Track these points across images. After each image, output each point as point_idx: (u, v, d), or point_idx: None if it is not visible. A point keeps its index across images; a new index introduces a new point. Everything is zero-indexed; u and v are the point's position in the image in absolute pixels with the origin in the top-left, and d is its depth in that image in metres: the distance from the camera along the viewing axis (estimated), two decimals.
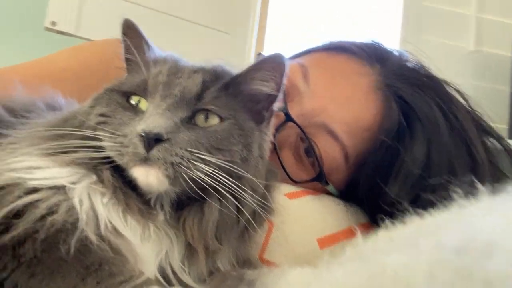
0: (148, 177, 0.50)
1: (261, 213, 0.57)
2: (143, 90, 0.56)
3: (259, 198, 0.56)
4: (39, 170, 0.48)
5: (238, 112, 0.57)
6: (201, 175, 0.50)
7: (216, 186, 0.52)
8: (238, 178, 0.54)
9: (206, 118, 0.54)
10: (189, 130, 0.52)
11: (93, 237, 0.45)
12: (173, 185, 0.51)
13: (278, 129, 0.74)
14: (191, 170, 0.50)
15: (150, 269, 0.49)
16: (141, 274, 0.45)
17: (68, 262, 0.43)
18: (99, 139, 0.52)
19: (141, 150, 0.49)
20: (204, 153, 0.51)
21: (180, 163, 0.50)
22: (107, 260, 0.45)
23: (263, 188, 0.58)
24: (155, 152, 0.49)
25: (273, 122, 0.70)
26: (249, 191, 0.55)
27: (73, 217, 0.45)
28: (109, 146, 0.51)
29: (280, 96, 0.62)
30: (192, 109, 0.54)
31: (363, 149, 0.74)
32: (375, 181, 0.70)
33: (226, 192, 0.53)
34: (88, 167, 0.51)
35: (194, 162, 0.50)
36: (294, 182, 0.73)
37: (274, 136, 0.74)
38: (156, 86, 0.55)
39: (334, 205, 0.72)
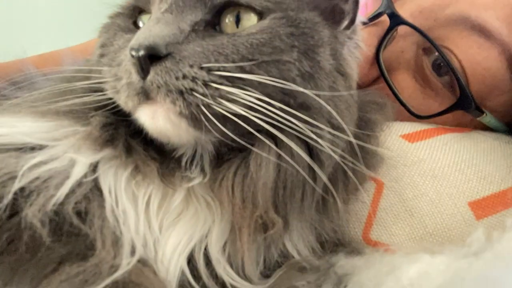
0: (155, 119, 0.32)
1: (354, 166, 0.34)
2: (146, 1, 0.38)
3: (340, 142, 0.34)
4: None
5: (289, 1, 0.35)
6: (233, 107, 0.31)
7: (265, 125, 0.31)
8: (303, 108, 0.33)
9: (237, 20, 0.34)
10: (206, 39, 0.33)
11: (34, 220, 0.28)
12: (198, 129, 0.32)
13: (382, 42, 0.48)
14: (214, 100, 0.31)
15: (170, 268, 0.32)
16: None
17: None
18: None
19: (135, 77, 0.32)
20: (232, 70, 0.31)
21: (192, 88, 0.31)
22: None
23: (352, 124, 0.35)
24: (152, 76, 0.31)
25: (370, 30, 0.45)
26: (326, 129, 0.33)
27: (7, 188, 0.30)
28: (107, 84, 0.35)
29: None
30: (209, 5, 0.34)
31: None
32: None
33: (285, 134, 0.32)
34: (76, 117, 0.35)
35: (217, 86, 0.31)
36: (419, 118, 0.46)
37: (377, 53, 0.48)
38: None
39: (497, 146, 0.42)
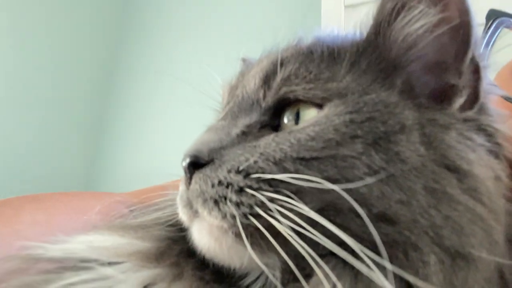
0: (201, 234, 0.28)
1: None
2: None
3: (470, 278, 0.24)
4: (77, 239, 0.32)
5: (359, 84, 0.29)
6: (272, 221, 0.24)
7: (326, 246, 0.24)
8: (384, 220, 0.24)
9: (298, 118, 0.29)
10: (254, 141, 0.28)
11: None
12: (257, 249, 0.25)
13: None
14: (251, 211, 0.25)
15: None
16: None
17: None
18: None
19: (183, 187, 0.29)
20: (272, 173, 0.26)
21: (225, 196, 0.26)
22: None
23: (494, 247, 0.25)
24: (193, 185, 0.28)
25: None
26: (433, 256, 0.24)
27: None
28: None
29: (475, 32, 0.28)
30: (264, 106, 0.30)
31: None
32: None
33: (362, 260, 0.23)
34: (141, 232, 0.32)
35: (252, 192, 0.25)
36: None
37: None
38: (223, 100, 0.36)
39: None
